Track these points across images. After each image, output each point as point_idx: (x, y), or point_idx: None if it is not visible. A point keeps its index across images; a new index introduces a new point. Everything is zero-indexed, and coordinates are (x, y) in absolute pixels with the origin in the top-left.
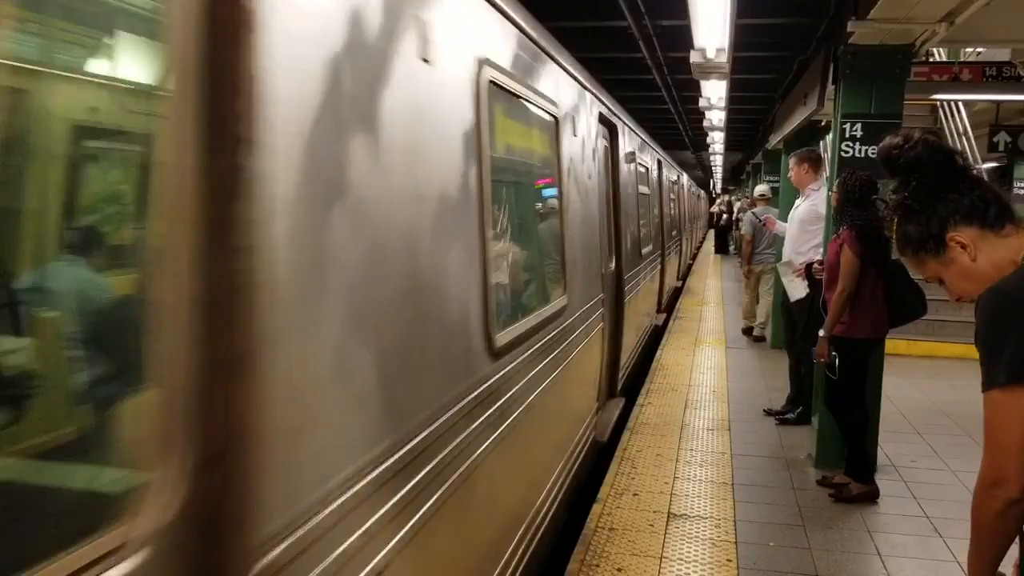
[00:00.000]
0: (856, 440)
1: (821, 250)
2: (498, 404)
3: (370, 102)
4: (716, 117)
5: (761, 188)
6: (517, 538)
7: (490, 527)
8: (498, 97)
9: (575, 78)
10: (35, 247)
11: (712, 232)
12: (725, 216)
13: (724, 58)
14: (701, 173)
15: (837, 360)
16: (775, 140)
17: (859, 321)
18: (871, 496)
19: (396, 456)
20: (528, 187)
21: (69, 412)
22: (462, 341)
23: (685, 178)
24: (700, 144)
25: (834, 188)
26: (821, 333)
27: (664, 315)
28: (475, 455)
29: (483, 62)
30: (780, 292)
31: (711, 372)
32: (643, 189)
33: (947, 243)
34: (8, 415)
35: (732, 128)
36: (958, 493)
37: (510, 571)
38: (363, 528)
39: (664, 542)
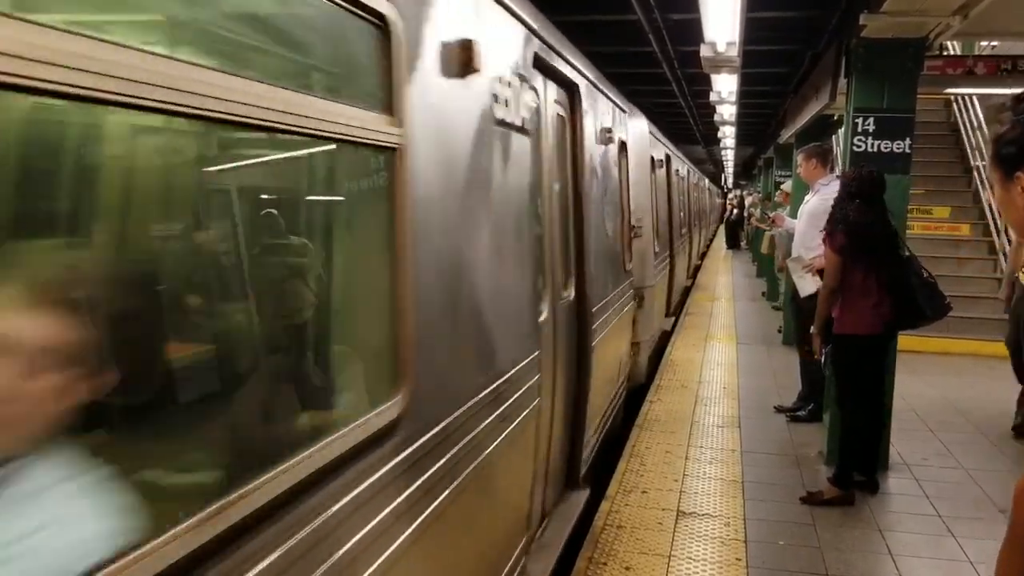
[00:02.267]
0: (852, 442)
1: None
2: (627, 293)
3: (604, 170)
4: (727, 111)
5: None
6: (623, 360)
7: (622, 349)
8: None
9: (657, 137)
10: None
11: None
12: (736, 211)
13: (735, 52)
14: (712, 168)
15: (826, 357)
16: (787, 134)
17: (848, 317)
18: (845, 501)
19: (609, 298)
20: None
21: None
22: (620, 263)
23: (701, 177)
24: (711, 138)
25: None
26: (812, 330)
27: (691, 280)
28: (623, 310)
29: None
30: (790, 288)
31: (721, 368)
32: (681, 191)
33: None
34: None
35: (743, 122)
36: (971, 492)
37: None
38: (600, 320)
39: (673, 540)
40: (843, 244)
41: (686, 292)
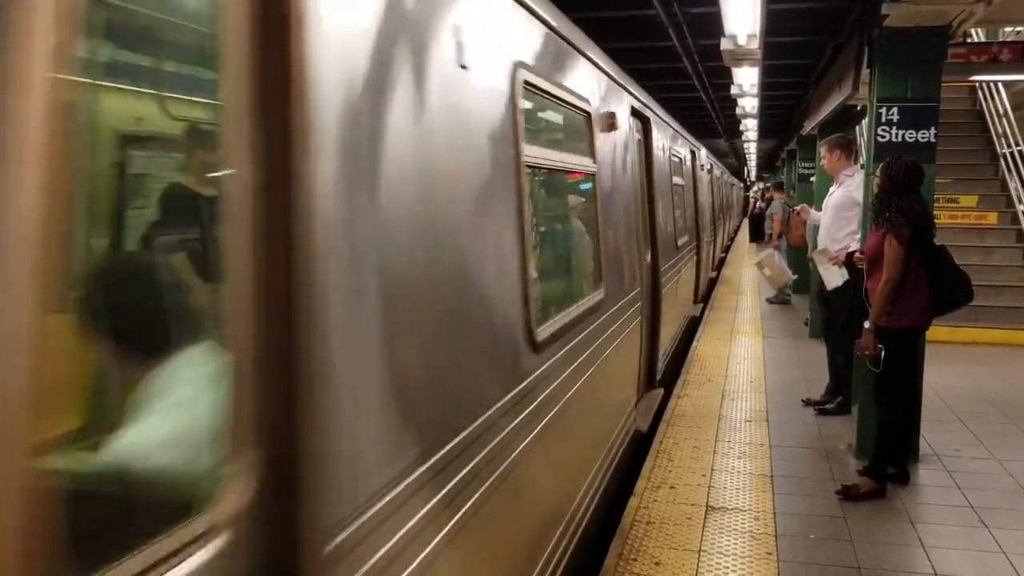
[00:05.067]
0: (889, 435)
1: (857, 237)
2: (681, 259)
3: (662, 173)
4: (749, 104)
5: None
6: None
7: (680, 300)
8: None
9: (691, 145)
10: None
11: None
12: (760, 204)
13: (755, 44)
14: (735, 161)
15: (883, 352)
16: (810, 126)
17: (903, 310)
18: (878, 494)
19: (669, 263)
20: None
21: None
22: (674, 239)
23: (724, 170)
24: (733, 132)
25: (876, 172)
26: (866, 325)
27: (716, 272)
28: (680, 273)
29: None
30: (816, 281)
31: (748, 362)
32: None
33: None
34: None
35: (766, 115)
36: (1004, 482)
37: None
38: (665, 277)
39: (702, 535)
40: (909, 237)
41: (712, 284)
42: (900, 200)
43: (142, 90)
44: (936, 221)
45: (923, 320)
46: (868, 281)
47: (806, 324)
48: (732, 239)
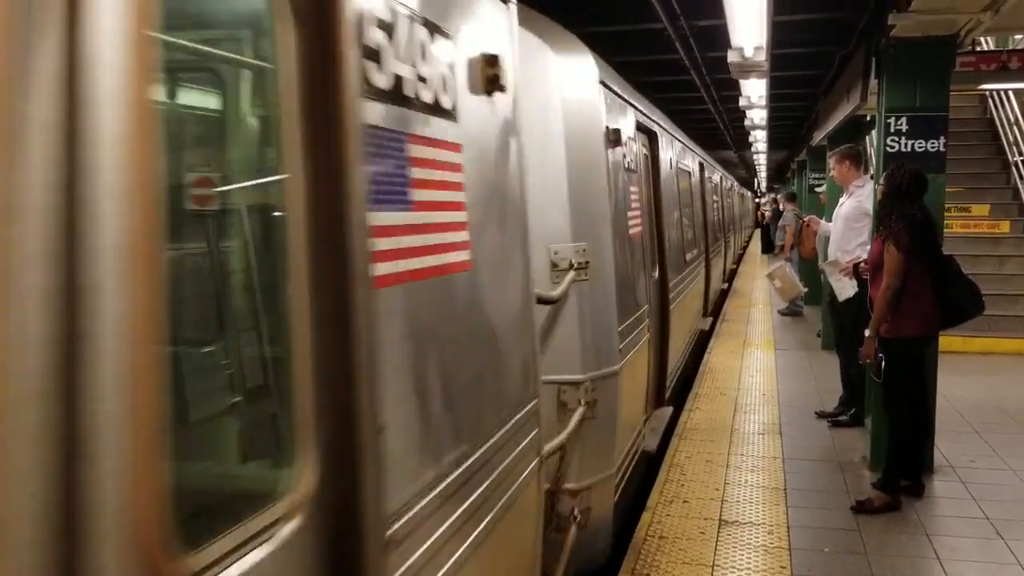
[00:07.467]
0: (899, 447)
1: (868, 247)
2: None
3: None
4: (757, 116)
5: None
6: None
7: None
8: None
9: (721, 174)
10: None
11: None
12: (767, 215)
13: (762, 56)
14: (744, 172)
15: (883, 362)
16: (819, 137)
17: (905, 319)
18: (893, 507)
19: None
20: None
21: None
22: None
23: (733, 182)
24: (742, 143)
25: (880, 181)
26: (867, 333)
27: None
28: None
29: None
30: (828, 292)
31: (760, 375)
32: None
33: None
34: None
35: (774, 126)
36: (1020, 493)
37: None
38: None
39: (716, 550)
40: (908, 244)
41: (723, 296)
42: (901, 207)
43: None
44: (948, 230)
45: (926, 330)
46: (872, 289)
47: (819, 336)
48: (746, 245)
